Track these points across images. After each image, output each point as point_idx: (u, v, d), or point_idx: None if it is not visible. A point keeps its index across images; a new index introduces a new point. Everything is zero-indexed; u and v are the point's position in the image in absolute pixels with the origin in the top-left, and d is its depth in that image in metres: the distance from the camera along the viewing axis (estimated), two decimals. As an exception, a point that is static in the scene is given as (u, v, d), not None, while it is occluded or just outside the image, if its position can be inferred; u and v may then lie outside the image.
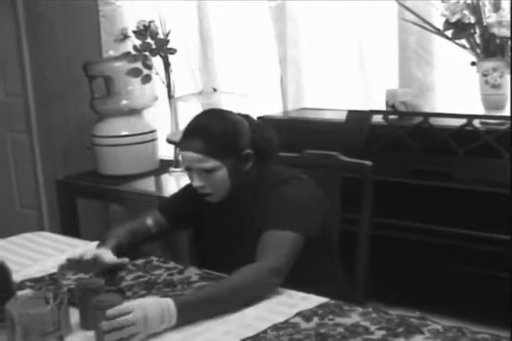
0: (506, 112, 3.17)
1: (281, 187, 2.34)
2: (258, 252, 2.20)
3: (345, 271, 2.56)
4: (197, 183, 2.34)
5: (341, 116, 3.44)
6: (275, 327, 1.90)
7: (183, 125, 3.88)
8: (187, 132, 2.34)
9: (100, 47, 4.59)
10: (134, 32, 4.01)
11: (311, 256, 2.27)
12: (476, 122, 3.12)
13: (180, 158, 3.10)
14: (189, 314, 1.97)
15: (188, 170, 2.36)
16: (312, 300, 2.07)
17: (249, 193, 2.40)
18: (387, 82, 3.68)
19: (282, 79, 4.10)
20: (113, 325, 1.85)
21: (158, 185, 4.13)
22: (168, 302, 1.95)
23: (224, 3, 4.18)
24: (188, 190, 2.45)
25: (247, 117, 2.43)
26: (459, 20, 3.11)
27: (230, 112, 2.41)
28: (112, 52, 4.47)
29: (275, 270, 2.13)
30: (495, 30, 3.03)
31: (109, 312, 1.87)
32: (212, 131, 2.28)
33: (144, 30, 4.00)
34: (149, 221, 2.50)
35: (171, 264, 2.43)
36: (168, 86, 4.07)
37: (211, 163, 2.28)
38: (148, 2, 4.29)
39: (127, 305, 1.91)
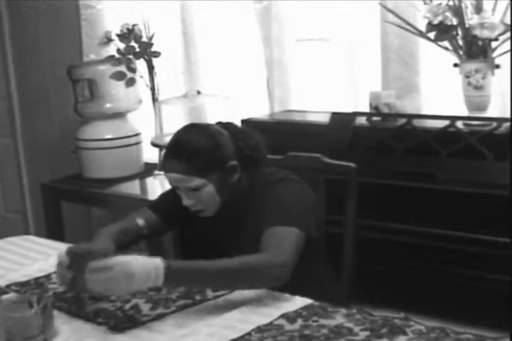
0: (489, 113, 3.19)
1: (275, 187, 2.34)
2: (262, 248, 2.17)
3: (332, 273, 2.58)
4: (187, 202, 2.33)
5: (326, 118, 3.45)
6: (259, 329, 1.91)
7: (167, 128, 3.89)
8: (167, 153, 2.32)
9: (82, 51, 4.57)
10: (118, 35, 4.01)
11: (303, 258, 2.27)
12: (459, 123, 3.13)
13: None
14: (176, 279, 2.02)
15: (176, 188, 2.35)
16: (296, 302, 2.07)
17: (242, 197, 2.40)
18: (371, 84, 3.69)
19: (268, 81, 4.10)
20: (94, 274, 1.93)
21: (143, 188, 4.12)
22: (157, 263, 1.97)
23: (208, 4, 4.17)
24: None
25: (229, 125, 2.41)
26: (441, 22, 3.12)
27: (209, 125, 2.39)
28: (92, 56, 4.46)
29: (280, 263, 2.11)
30: (477, 32, 3.04)
31: (91, 264, 1.94)
32: (191, 151, 2.25)
33: (128, 34, 4.00)
34: (140, 221, 2.45)
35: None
36: (152, 89, 4.06)
37: (196, 182, 2.27)
38: (131, 5, 4.28)
39: (108, 261, 1.95)
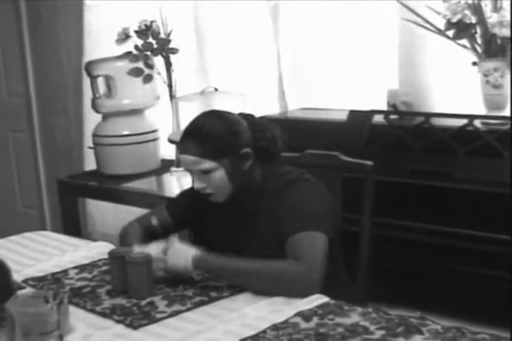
0: (507, 112, 3.17)
1: (290, 189, 2.33)
2: (291, 256, 2.19)
3: (347, 272, 2.57)
4: (197, 185, 2.35)
5: (342, 116, 3.44)
6: (275, 327, 1.91)
7: (184, 125, 3.88)
8: (183, 135, 2.35)
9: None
10: (136, 32, 4.01)
11: None
12: (477, 122, 3.12)
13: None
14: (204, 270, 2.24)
15: (189, 172, 2.38)
16: (312, 300, 2.07)
17: (254, 195, 2.40)
18: (387, 82, 3.68)
19: (281, 79, 4.10)
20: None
21: (160, 184, 4.12)
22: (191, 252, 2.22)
23: (221, 2, 4.17)
24: (193, 190, 2.45)
25: (249, 116, 2.43)
26: (460, 21, 3.11)
27: (228, 112, 2.40)
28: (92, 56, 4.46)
29: (314, 275, 2.14)
30: (496, 31, 3.03)
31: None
32: (206, 133, 2.28)
33: (146, 30, 4.00)
34: (154, 221, 2.48)
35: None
36: (170, 86, 4.06)
37: (207, 165, 2.29)
38: (130, 6, 4.28)
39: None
